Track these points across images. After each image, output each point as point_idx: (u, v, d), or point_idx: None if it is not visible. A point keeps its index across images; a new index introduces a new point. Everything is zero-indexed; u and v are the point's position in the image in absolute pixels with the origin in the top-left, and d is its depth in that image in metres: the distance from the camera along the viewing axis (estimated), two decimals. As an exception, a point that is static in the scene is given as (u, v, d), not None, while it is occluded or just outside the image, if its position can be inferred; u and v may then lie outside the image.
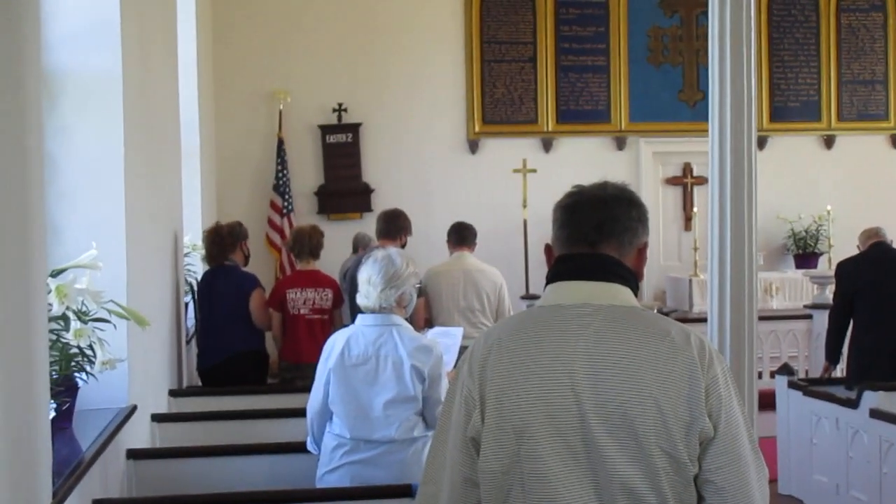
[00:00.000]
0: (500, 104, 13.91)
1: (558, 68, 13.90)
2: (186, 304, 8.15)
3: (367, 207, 13.46)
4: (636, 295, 2.63)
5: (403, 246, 7.67)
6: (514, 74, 13.88)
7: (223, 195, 12.73)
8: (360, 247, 9.86)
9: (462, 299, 8.31)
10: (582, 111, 13.97)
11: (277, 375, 8.33)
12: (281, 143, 13.28)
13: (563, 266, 2.66)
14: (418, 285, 5.08)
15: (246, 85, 13.27)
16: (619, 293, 2.59)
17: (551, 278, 2.68)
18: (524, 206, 13.00)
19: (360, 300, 4.95)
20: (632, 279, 2.63)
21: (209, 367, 7.99)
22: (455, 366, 4.72)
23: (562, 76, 13.91)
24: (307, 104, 13.43)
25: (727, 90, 4.80)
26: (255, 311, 7.94)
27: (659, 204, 14.16)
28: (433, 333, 6.24)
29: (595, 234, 2.63)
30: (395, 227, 7.99)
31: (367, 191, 13.67)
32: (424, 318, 8.15)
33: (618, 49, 13.91)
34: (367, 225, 11.10)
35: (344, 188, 13.52)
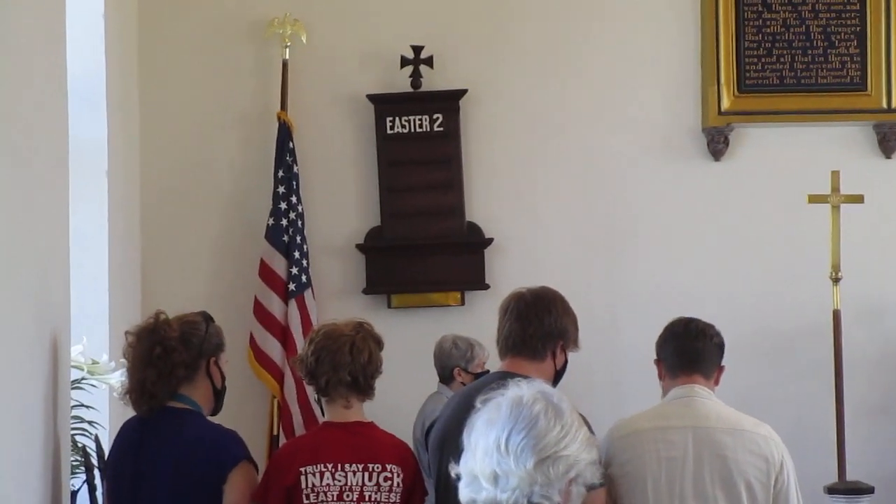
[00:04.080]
0: (776, 53, 8.83)
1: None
2: (74, 496, 5.89)
3: (475, 279, 8.78)
4: None
5: (560, 372, 5.27)
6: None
7: (157, 253, 8.68)
8: (457, 370, 7.51)
9: (692, 497, 5.25)
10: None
11: None
12: (285, 132, 8.46)
13: None
14: (597, 464, 3.45)
15: (209, 8, 8.68)
16: None
17: None
18: (834, 280, 8.19)
19: (474, 494, 3.30)
20: None
21: None
22: None
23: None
24: (342, 49, 8.78)
25: None
26: (236, 513, 6.00)
27: None
28: None
29: None
30: (540, 329, 5.25)
31: (475, 242, 8.85)
32: (611, 540, 5.67)
33: None
34: (474, 320, 8.10)
35: (423, 235, 8.76)
